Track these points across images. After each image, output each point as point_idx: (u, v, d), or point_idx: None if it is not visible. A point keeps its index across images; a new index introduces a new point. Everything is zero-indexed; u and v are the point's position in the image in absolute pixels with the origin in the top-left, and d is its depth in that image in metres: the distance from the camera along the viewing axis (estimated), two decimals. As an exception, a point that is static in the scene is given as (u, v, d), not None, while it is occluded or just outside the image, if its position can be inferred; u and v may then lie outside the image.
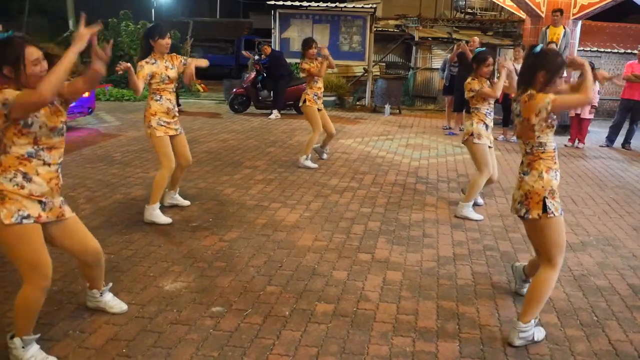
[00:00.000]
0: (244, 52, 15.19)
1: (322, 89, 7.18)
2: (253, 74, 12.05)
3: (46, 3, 22.60)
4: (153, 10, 29.91)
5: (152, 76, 4.72)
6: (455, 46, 10.70)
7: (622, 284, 3.96)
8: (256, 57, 12.58)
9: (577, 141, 9.64)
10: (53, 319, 3.18)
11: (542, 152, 3.10)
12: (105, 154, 7.59)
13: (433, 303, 3.56)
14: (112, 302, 3.30)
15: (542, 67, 3.05)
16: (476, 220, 5.23)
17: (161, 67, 4.76)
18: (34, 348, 2.76)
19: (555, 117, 3.10)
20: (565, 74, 9.92)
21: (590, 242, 4.81)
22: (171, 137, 4.88)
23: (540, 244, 3.17)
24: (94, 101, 10.07)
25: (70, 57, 2.52)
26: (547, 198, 3.02)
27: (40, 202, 2.68)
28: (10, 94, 2.48)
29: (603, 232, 5.11)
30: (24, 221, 2.60)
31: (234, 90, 12.32)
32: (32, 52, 2.56)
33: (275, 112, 11.65)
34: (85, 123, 10.08)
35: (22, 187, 2.62)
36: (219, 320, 3.23)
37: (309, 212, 5.30)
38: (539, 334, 3.15)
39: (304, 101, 7.08)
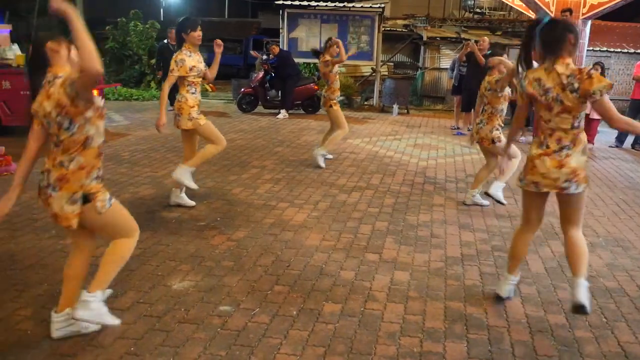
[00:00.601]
0: (252, 52, 15.19)
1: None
2: (261, 74, 12.06)
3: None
4: (162, 10, 30.05)
5: (190, 69, 4.92)
6: (464, 45, 10.66)
7: (631, 285, 3.94)
8: (264, 57, 12.59)
9: (586, 141, 9.57)
10: (62, 317, 3.20)
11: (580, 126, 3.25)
12: (114, 153, 7.62)
13: (441, 303, 3.55)
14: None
15: (569, 31, 3.07)
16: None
17: (196, 60, 4.96)
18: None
19: None
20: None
21: (600, 243, 4.78)
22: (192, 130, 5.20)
23: (577, 212, 3.46)
24: (103, 101, 10.11)
25: (79, 25, 2.44)
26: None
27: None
28: (72, 74, 2.63)
29: (612, 233, 5.07)
30: (112, 202, 2.89)
31: (242, 89, 12.33)
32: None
33: (283, 111, 11.66)
34: (94, 122, 10.11)
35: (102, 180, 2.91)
36: (227, 320, 3.24)
37: (317, 212, 5.30)
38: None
39: (330, 106, 7.16)
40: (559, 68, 3.08)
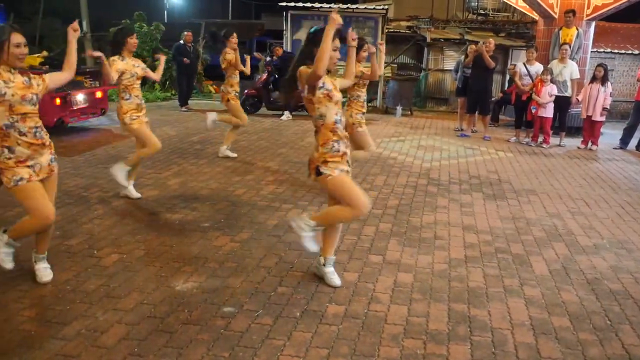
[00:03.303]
0: (255, 54, 15.20)
1: None
2: (265, 75, 12.08)
3: (60, 5, 22.79)
4: (166, 12, 30.11)
5: (122, 72, 5.25)
6: (470, 49, 10.63)
7: (636, 288, 3.92)
8: (268, 59, 12.61)
9: (590, 143, 9.56)
10: (65, 318, 3.21)
11: None
12: (118, 154, 7.63)
13: (444, 305, 3.54)
14: (39, 272, 3.66)
15: None
16: None
17: (130, 65, 5.31)
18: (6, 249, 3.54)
19: None
20: (578, 76, 9.89)
21: (604, 245, 4.77)
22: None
23: None
24: (107, 102, 10.14)
25: (72, 47, 3.66)
26: None
27: (28, 166, 3.36)
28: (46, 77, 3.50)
29: (617, 235, 5.06)
30: (19, 183, 3.34)
31: (246, 91, 12.34)
32: (16, 37, 3.22)
33: (286, 113, 11.67)
34: (98, 124, 10.16)
35: (10, 158, 3.32)
36: (230, 321, 3.24)
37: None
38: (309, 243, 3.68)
39: (228, 100, 7.43)
40: None
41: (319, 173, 3.48)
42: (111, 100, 12.29)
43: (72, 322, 3.16)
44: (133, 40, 5.30)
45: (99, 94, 9.64)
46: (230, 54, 7.11)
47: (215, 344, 2.99)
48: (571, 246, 4.71)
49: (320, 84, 3.42)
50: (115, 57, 5.25)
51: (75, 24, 3.69)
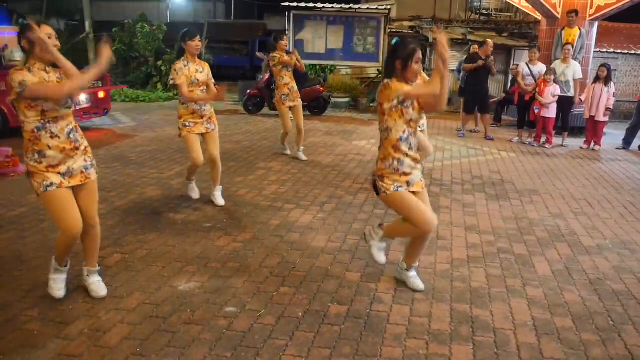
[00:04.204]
0: (258, 54, 15.24)
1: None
2: (267, 76, 12.06)
3: (62, 5, 22.83)
4: (168, 12, 30.13)
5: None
6: (472, 49, 10.63)
7: (639, 288, 3.91)
8: (270, 59, 12.59)
9: (593, 143, 9.54)
10: (68, 317, 3.21)
11: None
12: (121, 154, 7.65)
13: (447, 306, 3.54)
14: (95, 286, 3.51)
15: None
16: None
17: (192, 70, 5.06)
18: (61, 276, 3.47)
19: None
20: (581, 76, 9.85)
21: (607, 246, 4.76)
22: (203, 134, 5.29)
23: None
24: (110, 102, 10.16)
25: (94, 73, 3.19)
26: None
27: (59, 173, 3.18)
28: (29, 77, 3.01)
29: (620, 235, 5.05)
30: (49, 189, 3.15)
31: (248, 91, 12.35)
32: (46, 29, 3.12)
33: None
34: (101, 124, 10.18)
35: (40, 162, 3.15)
36: (233, 321, 3.24)
37: (323, 214, 5.30)
38: (377, 254, 3.83)
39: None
40: None
41: (376, 187, 3.49)
42: (114, 101, 12.33)
43: (75, 322, 3.17)
44: (194, 43, 5.07)
45: (101, 94, 9.66)
46: (280, 57, 7.10)
47: (218, 344, 2.99)
48: (574, 247, 4.70)
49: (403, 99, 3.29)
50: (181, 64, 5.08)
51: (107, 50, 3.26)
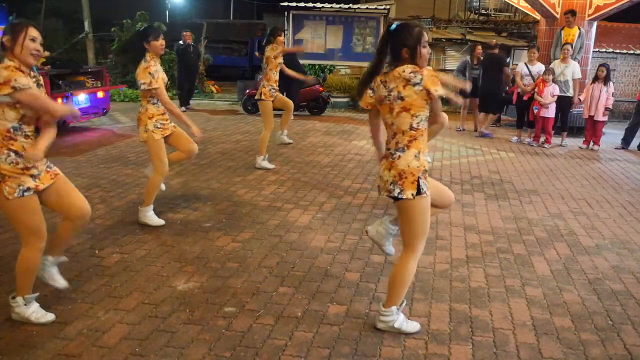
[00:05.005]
0: (257, 54, 15.23)
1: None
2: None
3: (61, 5, 22.82)
4: (167, 12, 30.13)
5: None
6: (477, 50, 10.66)
7: (638, 288, 3.92)
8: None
9: (591, 143, 9.55)
10: (67, 317, 3.21)
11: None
12: (120, 154, 7.65)
13: (446, 305, 3.54)
14: (54, 277, 3.36)
15: None
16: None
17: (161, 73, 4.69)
18: (35, 305, 3.16)
19: None
20: (580, 76, 9.86)
21: (606, 246, 4.76)
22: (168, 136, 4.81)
23: (404, 225, 3.08)
24: (109, 102, 10.15)
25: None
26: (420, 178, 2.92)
27: (30, 176, 2.98)
28: (22, 81, 2.82)
29: (619, 235, 5.05)
30: (26, 194, 2.96)
31: (247, 91, 12.34)
32: (33, 31, 2.93)
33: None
34: (100, 124, 10.17)
35: (17, 164, 2.93)
36: (232, 321, 3.24)
37: (322, 213, 5.30)
38: (406, 325, 3.17)
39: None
40: None
41: (420, 190, 2.94)
42: (113, 101, 12.33)
43: (74, 322, 3.17)
44: (159, 43, 4.69)
45: (100, 94, 9.65)
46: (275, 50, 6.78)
47: (217, 344, 2.99)
48: (573, 246, 4.70)
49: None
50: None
51: None
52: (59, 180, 3.15)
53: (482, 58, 10.48)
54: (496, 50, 10.63)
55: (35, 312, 3.15)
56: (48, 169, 3.11)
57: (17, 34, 2.89)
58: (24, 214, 2.98)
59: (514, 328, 3.30)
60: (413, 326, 3.21)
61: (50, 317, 3.17)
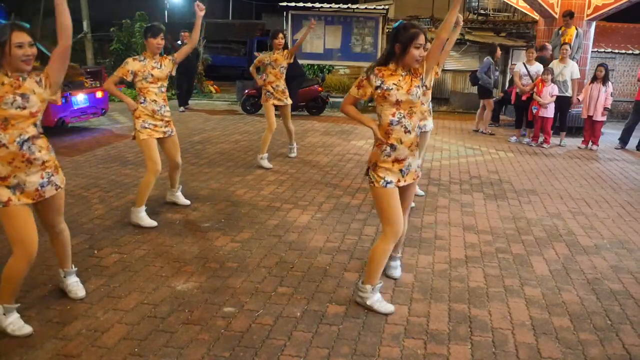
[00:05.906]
0: (256, 54, 15.22)
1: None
2: (264, 75, 12.05)
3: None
4: (166, 12, 30.08)
5: (133, 73, 4.76)
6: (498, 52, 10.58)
7: (636, 288, 3.92)
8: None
9: (590, 143, 9.55)
10: (66, 317, 3.21)
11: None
12: (119, 154, 7.64)
13: (445, 305, 3.54)
14: (72, 287, 3.45)
15: None
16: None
17: (149, 66, 4.76)
18: (14, 316, 3.05)
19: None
20: (579, 76, 9.86)
21: (604, 245, 4.76)
22: (160, 139, 4.93)
23: None
24: (107, 102, 10.14)
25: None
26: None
27: (7, 187, 2.88)
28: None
29: (617, 235, 5.05)
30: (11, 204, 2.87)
31: (246, 91, 12.34)
32: (18, 36, 2.77)
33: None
34: (99, 124, 10.16)
35: None
36: (231, 321, 3.24)
37: (321, 213, 5.30)
38: (379, 304, 3.39)
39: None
40: None
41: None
42: (112, 101, 12.31)
43: (73, 322, 3.16)
44: (156, 41, 4.73)
45: (99, 94, 9.64)
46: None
47: (216, 344, 2.99)
48: (572, 246, 4.71)
49: (378, 82, 3.18)
50: (129, 59, 4.85)
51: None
52: (48, 201, 3.08)
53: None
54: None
55: (12, 324, 3.00)
56: (39, 188, 2.98)
57: (1, 45, 2.74)
58: (6, 224, 2.92)
59: (512, 328, 3.30)
60: (386, 307, 3.39)
61: (27, 329, 3.01)
